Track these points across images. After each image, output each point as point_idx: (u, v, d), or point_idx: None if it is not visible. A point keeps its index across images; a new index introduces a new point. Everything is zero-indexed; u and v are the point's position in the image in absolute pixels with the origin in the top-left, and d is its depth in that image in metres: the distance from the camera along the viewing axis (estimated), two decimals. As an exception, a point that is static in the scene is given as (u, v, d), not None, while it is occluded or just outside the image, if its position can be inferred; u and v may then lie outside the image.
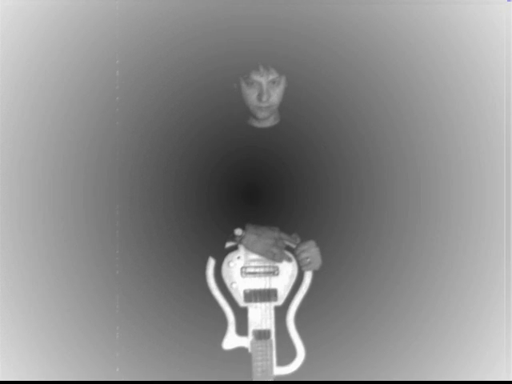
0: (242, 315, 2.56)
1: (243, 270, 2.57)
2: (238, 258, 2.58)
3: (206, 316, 2.64)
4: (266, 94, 2.57)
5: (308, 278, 2.58)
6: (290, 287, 2.58)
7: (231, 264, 2.57)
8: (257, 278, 2.57)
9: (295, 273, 2.59)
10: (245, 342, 2.56)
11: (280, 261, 2.57)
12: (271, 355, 2.55)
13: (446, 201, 3.17)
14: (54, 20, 3.06)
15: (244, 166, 2.65)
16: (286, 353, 2.56)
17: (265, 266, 2.58)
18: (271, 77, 2.56)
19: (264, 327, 2.56)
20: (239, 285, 2.57)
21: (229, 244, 2.58)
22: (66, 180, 3.10)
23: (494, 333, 3.15)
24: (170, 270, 3.00)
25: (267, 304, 2.56)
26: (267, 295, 2.56)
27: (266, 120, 2.68)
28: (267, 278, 2.57)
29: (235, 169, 2.65)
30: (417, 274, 3.16)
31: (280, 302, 2.57)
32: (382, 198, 3.08)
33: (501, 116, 3.15)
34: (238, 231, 2.56)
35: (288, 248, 2.60)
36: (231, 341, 2.56)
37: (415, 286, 3.15)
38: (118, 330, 3.11)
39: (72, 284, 3.11)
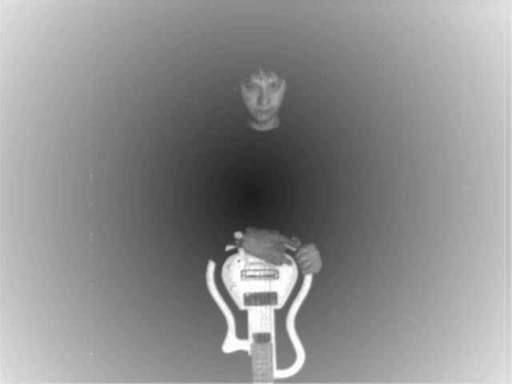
0: (242, 318, 2.56)
1: (243, 273, 2.57)
2: (238, 261, 2.58)
3: (206, 319, 2.64)
4: (265, 97, 2.56)
5: (308, 281, 2.58)
6: (289, 290, 2.58)
7: (231, 267, 2.57)
8: (257, 282, 2.57)
9: (295, 276, 2.59)
10: (245, 345, 2.56)
11: (280, 264, 2.57)
12: (271, 358, 2.55)
13: (446, 201, 3.17)
14: (54, 20, 3.06)
15: (244, 169, 2.65)
16: (286, 356, 2.56)
17: (265, 270, 2.58)
18: (271, 80, 2.56)
19: (264, 330, 2.56)
20: (239, 288, 2.57)
21: (229, 247, 2.58)
22: (66, 180, 3.10)
23: (493, 334, 3.16)
24: (170, 271, 3.00)
25: (267, 307, 2.56)
26: (267, 298, 2.56)
27: (266, 123, 2.68)
28: (267, 281, 2.58)
29: (235, 172, 2.64)
30: (417, 275, 3.16)
31: (280, 305, 2.57)
32: (382, 198, 3.08)
33: (501, 116, 3.15)
34: (238, 234, 2.56)
35: (288, 251, 2.59)
36: (231, 344, 2.56)
37: (415, 286, 3.16)
38: (118, 331, 3.12)
39: (71, 285, 3.11)
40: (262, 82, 2.55)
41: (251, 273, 2.58)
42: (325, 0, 3.09)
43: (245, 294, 2.57)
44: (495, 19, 3.13)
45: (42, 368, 3.11)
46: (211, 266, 2.57)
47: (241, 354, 2.56)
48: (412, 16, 3.13)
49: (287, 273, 2.58)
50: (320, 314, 2.68)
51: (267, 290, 2.57)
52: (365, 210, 2.76)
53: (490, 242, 3.17)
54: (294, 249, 2.60)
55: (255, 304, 2.56)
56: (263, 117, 2.62)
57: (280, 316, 2.57)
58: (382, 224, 3.06)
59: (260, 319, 2.56)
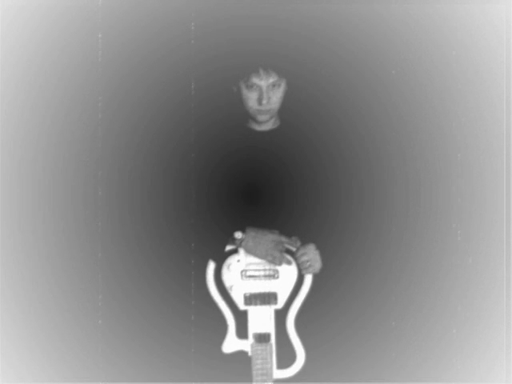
0: (242, 318, 2.56)
1: (243, 273, 2.57)
2: (238, 261, 2.57)
3: (206, 319, 2.64)
4: (265, 97, 2.56)
5: (308, 281, 2.58)
6: (290, 290, 2.58)
7: (231, 267, 2.57)
8: (257, 281, 2.57)
9: (295, 276, 2.59)
10: (245, 345, 2.56)
11: (280, 264, 2.57)
12: (271, 358, 2.55)
13: (446, 201, 3.16)
14: (54, 19, 3.05)
15: (244, 169, 2.65)
16: (286, 356, 2.56)
17: (265, 269, 2.58)
18: (271, 80, 2.56)
19: (264, 330, 2.56)
20: (239, 288, 2.56)
21: (229, 247, 2.58)
22: (66, 180, 3.10)
23: (493, 334, 3.16)
24: (170, 271, 3.00)
25: (267, 307, 2.56)
26: (267, 298, 2.56)
27: (266, 123, 2.68)
28: (267, 281, 2.57)
29: (235, 172, 2.64)
30: (417, 275, 3.16)
31: (280, 305, 2.57)
32: (382, 198, 3.08)
33: (501, 116, 3.15)
34: (238, 234, 2.56)
35: (288, 251, 2.59)
36: (231, 344, 2.56)
37: (415, 286, 3.16)
38: (117, 331, 3.12)
39: (71, 286, 3.11)
40: (262, 81, 2.55)
41: (251, 273, 2.58)
42: (325, 0, 3.09)
43: (245, 294, 2.57)
44: (495, 19, 3.13)
45: (42, 368, 3.10)
46: (211, 266, 2.57)
47: (241, 354, 2.56)
48: (412, 16, 3.12)
49: (287, 273, 2.58)
50: (320, 314, 2.68)
51: (267, 290, 2.57)
52: (365, 209, 2.76)
53: (490, 242, 3.17)
54: (293, 249, 2.60)
55: (255, 304, 2.56)
56: (263, 117, 2.62)
57: (280, 316, 2.57)
58: (382, 224, 3.06)
59: (260, 319, 2.56)
